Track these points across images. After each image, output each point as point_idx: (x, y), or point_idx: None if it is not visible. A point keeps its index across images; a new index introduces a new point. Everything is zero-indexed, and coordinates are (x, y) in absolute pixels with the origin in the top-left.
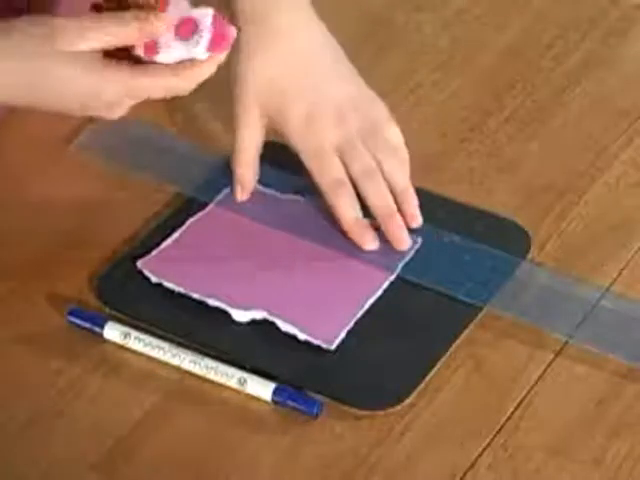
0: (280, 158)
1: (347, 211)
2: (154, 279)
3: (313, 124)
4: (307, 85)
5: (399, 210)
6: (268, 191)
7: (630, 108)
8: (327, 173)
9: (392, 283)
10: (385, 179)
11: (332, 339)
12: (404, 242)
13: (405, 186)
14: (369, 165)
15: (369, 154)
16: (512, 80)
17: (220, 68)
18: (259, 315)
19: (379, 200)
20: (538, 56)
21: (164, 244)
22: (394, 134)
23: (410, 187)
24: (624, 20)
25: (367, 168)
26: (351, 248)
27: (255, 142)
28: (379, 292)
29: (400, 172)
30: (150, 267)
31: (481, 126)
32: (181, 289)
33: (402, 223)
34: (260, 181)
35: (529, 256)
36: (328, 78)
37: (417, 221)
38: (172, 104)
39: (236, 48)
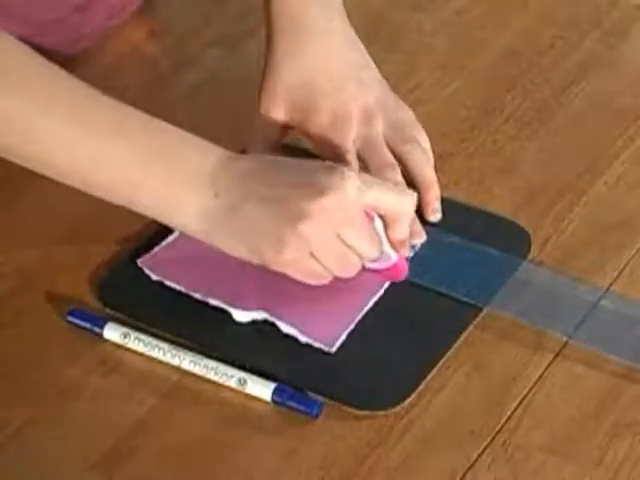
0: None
1: None
2: (154, 277)
3: (338, 123)
4: (335, 86)
5: (421, 203)
6: None
7: (630, 108)
8: None
9: (392, 283)
10: (411, 172)
11: (333, 342)
12: (419, 234)
13: (433, 179)
14: (389, 159)
15: (391, 152)
16: (512, 80)
17: (220, 68)
18: (260, 316)
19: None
20: (538, 56)
21: (165, 242)
22: (422, 137)
23: (437, 183)
24: (624, 20)
25: (386, 161)
26: None
27: (272, 146)
28: (379, 292)
29: (428, 166)
30: (150, 265)
31: (481, 126)
32: (182, 288)
33: (416, 218)
34: None
35: (529, 256)
36: (356, 80)
37: (439, 215)
38: (175, 105)
39: (268, 49)
